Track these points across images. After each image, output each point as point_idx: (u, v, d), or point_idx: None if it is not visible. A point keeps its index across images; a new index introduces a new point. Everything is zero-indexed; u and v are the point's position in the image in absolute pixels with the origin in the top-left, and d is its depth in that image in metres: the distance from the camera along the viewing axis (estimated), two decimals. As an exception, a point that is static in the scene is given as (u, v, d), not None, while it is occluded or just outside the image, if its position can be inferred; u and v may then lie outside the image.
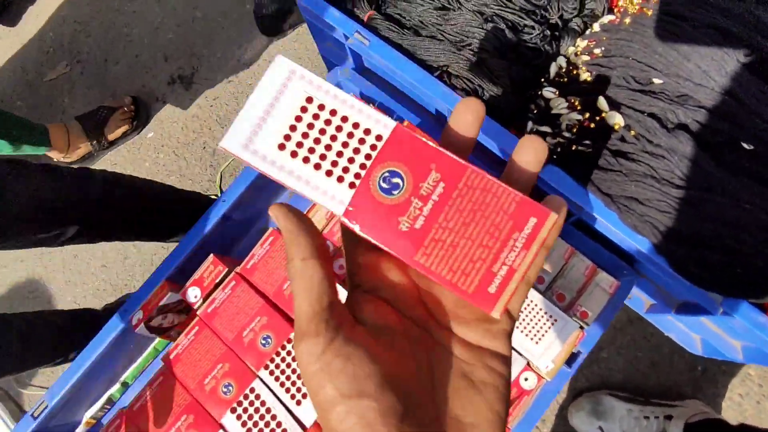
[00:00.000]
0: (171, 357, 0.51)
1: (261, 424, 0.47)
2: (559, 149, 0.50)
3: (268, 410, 0.48)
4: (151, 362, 0.62)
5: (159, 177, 1.36)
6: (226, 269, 0.54)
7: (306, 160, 0.19)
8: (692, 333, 0.61)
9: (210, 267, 0.55)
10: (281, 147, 0.19)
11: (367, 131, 0.19)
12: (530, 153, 0.20)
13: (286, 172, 0.19)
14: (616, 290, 0.49)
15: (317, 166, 0.19)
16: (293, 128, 0.20)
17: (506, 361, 0.20)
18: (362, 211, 0.19)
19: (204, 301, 0.53)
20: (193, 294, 0.54)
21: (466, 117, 0.20)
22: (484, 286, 0.18)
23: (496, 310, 0.18)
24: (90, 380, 0.58)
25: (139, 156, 1.34)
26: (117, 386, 0.62)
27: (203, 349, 0.50)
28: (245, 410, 0.48)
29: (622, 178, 0.45)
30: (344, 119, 0.19)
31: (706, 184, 0.43)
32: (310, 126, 0.20)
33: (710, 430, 0.79)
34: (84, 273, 1.29)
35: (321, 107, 0.20)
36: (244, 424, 0.48)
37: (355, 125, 0.19)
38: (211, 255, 0.55)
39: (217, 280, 0.54)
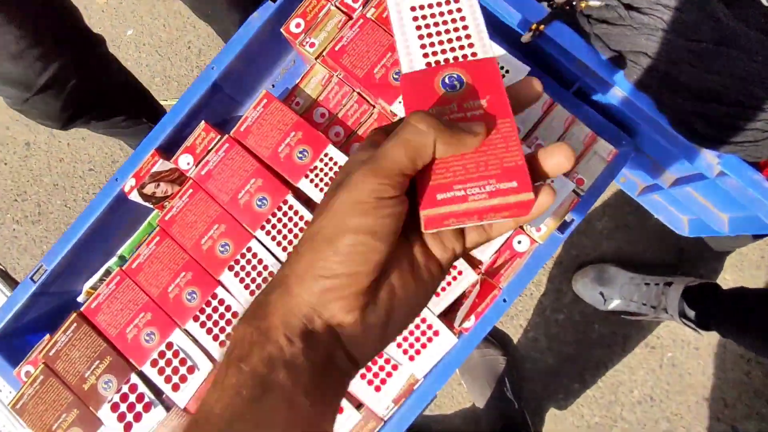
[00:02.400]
0: (166, 218, 0.51)
1: (259, 280, 0.48)
2: (567, 7, 0.47)
3: (265, 267, 0.49)
4: (146, 238, 0.62)
5: (143, 79, 1.30)
6: (219, 136, 0.52)
7: (418, 27, 0.24)
8: (680, 214, 0.62)
9: (202, 134, 0.53)
10: (412, 8, 0.24)
11: (470, 45, 0.23)
12: (559, 157, 0.22)
13: (400, 23, 0.24)
14: (613, 158, 0.49)
15: (420, 37, 0.23)
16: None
17: (443, 271, 0.24)
18: (416, 81, 0.23)
19: (196, 167, 0.52)
20: (186, 161, 0.53)
21: (529, 92, 0.24)
22: (435, 194, 0.20)
23: (423, 217, 0.21)
24: (87, 250, 0.58)
25: (119, 56, 1.26)
26: (114, 259, 0.62)
27: (198, 211, 0.50)
28: (243, 268, 0.49)
29: (633, 32, 0.43)
30: (465, 27, 0.23)
31: (719, 36, 0.41)
32: (438, 12, 0.24)
33: (707, 292, 0.84)
34: (71, 176, 1.27)
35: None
36: (242, 280, 0.49)
37: (467, 36, 0.23)
38: (203, 122, 0.53)
39: (210, 147, 0.53)
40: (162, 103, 1.01)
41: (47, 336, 0.53)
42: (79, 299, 0.61)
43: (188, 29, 1.28)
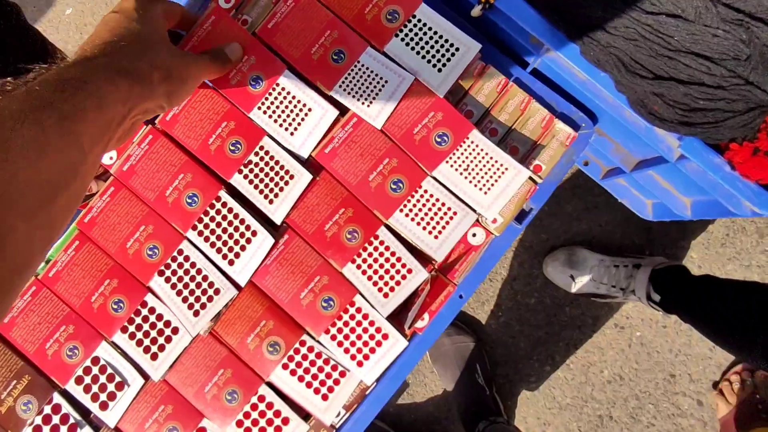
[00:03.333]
0: (85, 221, 0.45)
1: (192, 285, 0.44)
2: (521, -22, 0.43)
3: (198, 271, 0.44)
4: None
5: None
6: (143, 126, 0.47)
7: None
8: (644, 198, 0.60)
9: (124, 124, 0.48)
10: None
11: None
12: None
13: None
14: (572, 142, 0.46)
15: None
16: None
17: None
18: None
19: (119, 162, 0.47)
20: (108, 155, 0.48)
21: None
22: None
23: None
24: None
25: (58, 37, 1.17)
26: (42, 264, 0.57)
27: (122, 211, 0.45)
28: (174, 272, 0.44)
29: (588, 3, 0.39)
30: None
31: (680, 9, 0.38)
32: None
33: (675, 275, 0.84)
34: None
35: None
36: (173, 286, 0.44)
37: None
38: (125, 111, 0.48)
39: (133, 140, 0.47)
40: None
41: (-41, 354, 0.48)
42: None
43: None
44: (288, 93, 0.43)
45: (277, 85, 0.44)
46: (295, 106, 0.44)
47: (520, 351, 1.10)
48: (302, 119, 0.43)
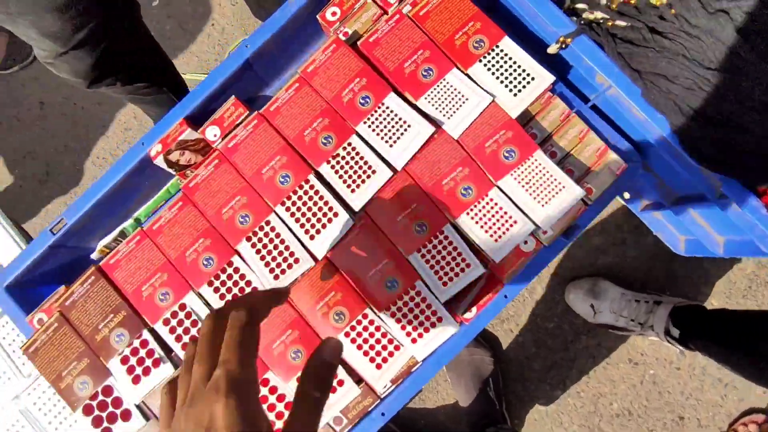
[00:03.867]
0: (190, 185, 0.53)
1: (275, 252, 0.51)
2: (594, 24, 0.50)
3: (282, 241, 0.51)
4: (163, 204, 0.64)
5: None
6: (247, 111, 0.54)
7: None
8: (678, 233, 0.65)
9: (231, 108, 0.55)
10: None
11: None
12: None
13: None
14: (622, 172, 0.52)
15: None
16: None
17: None
18: None
19: (223, 140, 0.54)
20: (212, 133, 0.55)
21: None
22: None
23: None
24: (105, 209, 0.59)
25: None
26: (130, 221, 0.64)
27: (222, 182, 0.52)
28: (260, 240, 0.51)
29: (654, 55, 0.46)
30: None
31: (736, 67, 0.44)
32: None
33: (695, 312, 0.87)
34: (83, 139, 1.28)
35: None
36: (258, 252, 0.51)
37: None
38: (233, 97, 0.55)
39: (238, 122, 0.54)
40: (183, 76, 1.02)
41: (63, 287, 0.55)
42: (93, 256, 0.63)
43: (213, 6, 1.29)
44: (391, 111, 0.50)
45: (383, 104, 0.50)
46: (396, 123, 0.50)
47: (534, 372, 1.13)
48: (401, 134, 0.50)
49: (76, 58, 0.69)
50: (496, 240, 0.48)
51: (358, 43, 0.52)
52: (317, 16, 0.56)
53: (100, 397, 0.50)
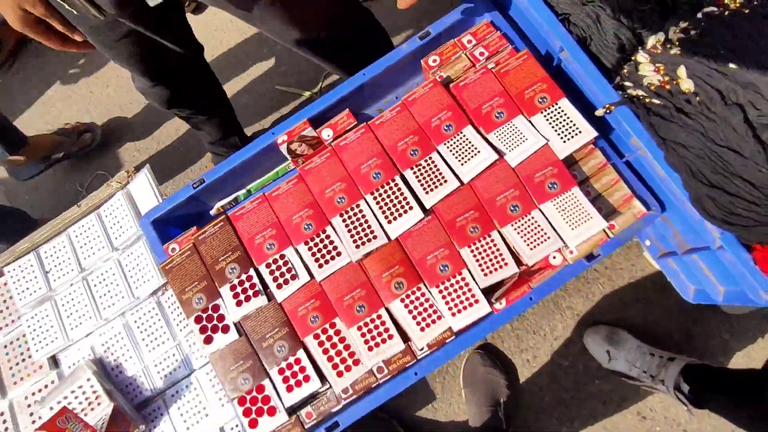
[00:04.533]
0: (305, 169, 0.70)
1: (359, 228, 0.66)
2: (636, 100, 0.64)
3: (366, 221, 0.66)
4: (271, 183, 0.82)
5: (275, 68, 1.52)
6: (355, 121, 0.72)
7: None
8: (689, 282, 0.76)
9: (344, 117, 0.73)
10: None
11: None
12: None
13: None
14: (642, 217, 0.64)
15: None
16: None
17: None
18: None
19: (335, 140, 0.71)
20: (327, 134, 0.73)
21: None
22: None
23: None
24: (231, 177, 0.78)
25: (251, 48, 1.51)
26: (243, 191, 0.82)
27: (329, 170, 0.69)
28: (350, 217, 0.67)
29: (677, 128, 0.59)
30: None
31: (739, 148, 0.56)
32: None
33: (706, 371, 0.94)
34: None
35: None
36: (347, 226, 0.67)
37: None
38: (347, 109, 0.73)
39: (348, 128, 0.72)
40: (283, 89, 1.23)
41: (194, 228, 0.72)
42: (211, 212, 0.81)
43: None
44: (467, 139, 0.66)
45: (461, 132, 0.66)
46: (469, 148, 0.66)
47: (544, 404, 1.21)
48: (471, 157, 0.65)
49: (159, 91, 0.96)
50: (531, 248, 0.62)
51: (450, 85, 0.69)
52: (421, 61, 0.73)
53: (209, 312, 0.67)
